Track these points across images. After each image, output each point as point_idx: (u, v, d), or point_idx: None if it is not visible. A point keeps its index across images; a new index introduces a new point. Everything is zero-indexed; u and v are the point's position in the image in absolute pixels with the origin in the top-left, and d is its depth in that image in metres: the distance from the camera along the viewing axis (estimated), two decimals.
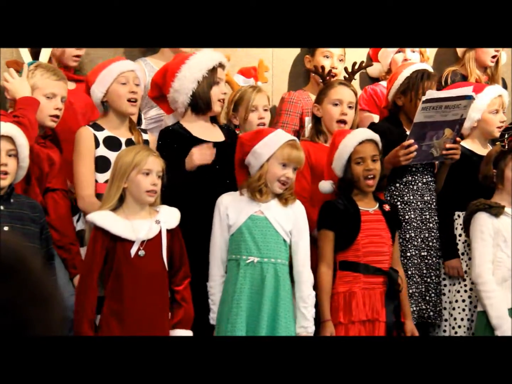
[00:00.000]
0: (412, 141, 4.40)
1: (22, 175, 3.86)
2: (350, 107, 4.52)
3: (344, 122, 4.50)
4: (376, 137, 4.25)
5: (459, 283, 4.65)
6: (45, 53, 4.41)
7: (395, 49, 5.23)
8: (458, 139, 4.52)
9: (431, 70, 4.82)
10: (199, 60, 4.27)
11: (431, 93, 4.45)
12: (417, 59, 5.19)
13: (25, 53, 4.40)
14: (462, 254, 4.68)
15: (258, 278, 3.94)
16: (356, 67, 4.72)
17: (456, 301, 4.62)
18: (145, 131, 4.41)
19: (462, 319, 4.60)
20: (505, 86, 5.40)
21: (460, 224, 4.67)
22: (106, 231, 3.73)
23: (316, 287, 4.11)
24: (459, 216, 4.69)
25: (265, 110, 4.61)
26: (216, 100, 4.29)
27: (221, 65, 4.34)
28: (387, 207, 4.27)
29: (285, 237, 4.03)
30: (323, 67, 4.69)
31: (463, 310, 4.61)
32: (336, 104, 4.50)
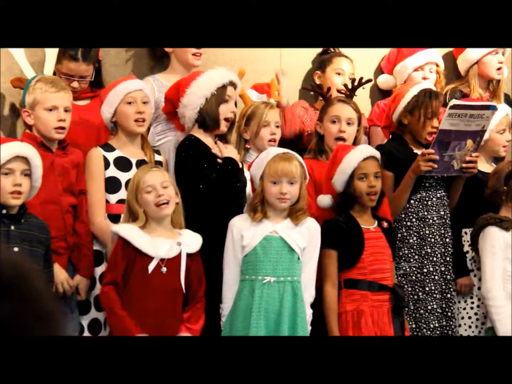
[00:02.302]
0: (432, 151, 4.39)
1: (34, 194, 3.90)
2: (349, 123, 4.55)
3: (343, 139, 4.53)
4: (377, 154, 4.27)
5: (465, 301, 4.65)
6: (49, 65, 4.41)
7: (414, 66, 5.22)
8: (476, 154, 4.50)
9: (435, 89, 4.83)
10: (209, 77, 4.30)
11: (457, 101, 4.48)
12: (434, 79, 5.18)
13: (27, 68, 4.39)
14: (471, 271, 4.68)
15: (275, 297, 3.95)
16: (356, 83, 4.72)
17: (463, 318, 4.62)
18: (158, 152, 4.43)
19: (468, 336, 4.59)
20: (509, 101, 5.37)
21: (467, 241, 4.67)
22: (128, 243, 3.78)
23: (322, 306, 4.13)
24: (466, 233, 4.69)
25: (277, 126, 4.61)
26: (222, 118, 4.31)
27: (232, 84, 4.36)
28: (385, 224, 4.29)
29: (300, 255, 4.04)
30: (320, 86, 4.71)
31: (469, 327, 4.60)
32: (335, 121, 4.54)
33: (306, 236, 4.07)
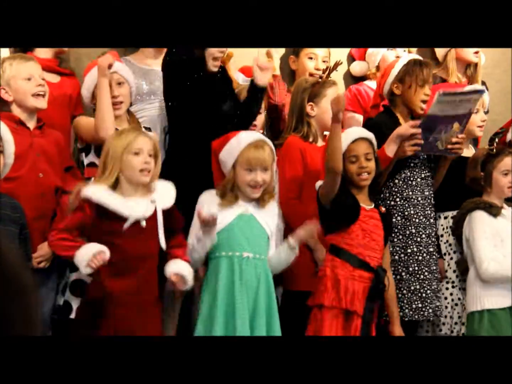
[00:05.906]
0: (419, 130, 4.38)
1: (6, 172, 3.83)
2: None
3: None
4: (370, 135, 4.22)
5: (441, 283, 4.63)
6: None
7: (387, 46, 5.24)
8: (463, 135, 4.50)
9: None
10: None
11: (447, 89, 4.48)
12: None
13: None
14: (444, 254, 4.70)
15: (252, 273, 3.92)
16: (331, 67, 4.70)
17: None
18: (149, 129, 4.40)
19: (445, 317, 4.61)
20: (485, 88, 5.38)
21: (442, 225, 4.69)
22: (101, 209, 3.68)
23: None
24: (439, 217, 4.71)
25: (259, 113, 4.55)
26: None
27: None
28: (383, 209, 4.24)
29: (270, 235, 4.04)
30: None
31: (445, 307, 4.61)
32: None
33: (272, 217, 4.06)
